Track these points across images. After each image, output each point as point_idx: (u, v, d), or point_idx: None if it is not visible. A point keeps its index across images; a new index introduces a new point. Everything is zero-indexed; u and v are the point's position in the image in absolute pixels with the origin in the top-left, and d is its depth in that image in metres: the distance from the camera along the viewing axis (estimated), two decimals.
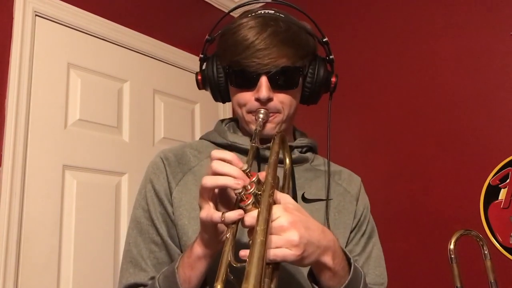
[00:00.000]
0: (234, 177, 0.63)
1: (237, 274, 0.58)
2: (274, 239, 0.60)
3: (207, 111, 2.48)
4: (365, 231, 0.92)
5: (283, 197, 0.67)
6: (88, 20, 1.99)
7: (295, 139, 0.96)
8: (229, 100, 0.92)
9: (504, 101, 1.78)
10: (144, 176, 0.91)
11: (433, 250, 1.82)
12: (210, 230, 0.66)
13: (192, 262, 0.70)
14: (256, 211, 0.61)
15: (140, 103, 2.16)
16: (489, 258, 1.40)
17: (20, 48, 1.73)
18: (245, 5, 0.97)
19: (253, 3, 0.96)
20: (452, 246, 1.37)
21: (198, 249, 0.70)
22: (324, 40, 0.90)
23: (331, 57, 0.90)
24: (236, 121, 0.98)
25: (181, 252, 0.82)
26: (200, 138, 0.97)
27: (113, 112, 2.04)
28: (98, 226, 1.86)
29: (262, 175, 0.66)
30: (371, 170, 2.06)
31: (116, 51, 2.11)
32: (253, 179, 0.64)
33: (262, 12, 0.84)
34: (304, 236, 0.61)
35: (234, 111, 0.91)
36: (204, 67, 0.91)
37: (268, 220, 0.58)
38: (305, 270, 0.77)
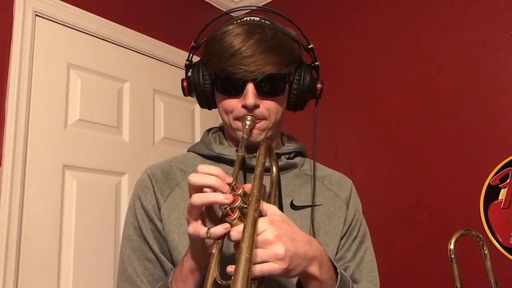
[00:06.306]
0: (222, 192, 0.63)
1: None
2: (260, 253, 0.60)
3: (207, 111, 2.45)
4: (356, 235, 0.91)
5: (270, 209, 0.67)
6: (88, 20, 1.99)
7: (283, 145, 0.96)
8: (215, 107, 0.92)
9: (504, 101, 1.78)
10: (132, 194, 0.91)
11: (433, 250, 1.82)
12: (198, 245, 0.67)
13: (184, 276, 0.71)
14: (242, 225, 0.61)
15: (140, 103, 2.16)
16: (489, 258, 1.40)
17: (20, 48, 1.73)
18: (236, 10, 0.96)
19: (244, 9, 0.97)
20: (452, 246, 1.37)
21: (189, 263, 0.71)
22: (309, 46, 0.90)
23: (316, 63, 0.90)
24: (222, 130, 0.98)
25: (174, 267, 0.82)
26: (188, 150, 0.97)
27: (113, 112, 2.04)
28: (98, 226, 1.86)
29: (247, 187, 0.66)
30: (371, 170, 2.06)
31: (116, 51, 2.11)
32: (239, 191, 0.64)
33: (248, 19, 0.83)
34: (289, 249, 0.62)
35: (221, 118, 0.91)
36: (189, 73, 0.91)
37: (253, 236, 0.58)
38: (293, 280, 0.77)
